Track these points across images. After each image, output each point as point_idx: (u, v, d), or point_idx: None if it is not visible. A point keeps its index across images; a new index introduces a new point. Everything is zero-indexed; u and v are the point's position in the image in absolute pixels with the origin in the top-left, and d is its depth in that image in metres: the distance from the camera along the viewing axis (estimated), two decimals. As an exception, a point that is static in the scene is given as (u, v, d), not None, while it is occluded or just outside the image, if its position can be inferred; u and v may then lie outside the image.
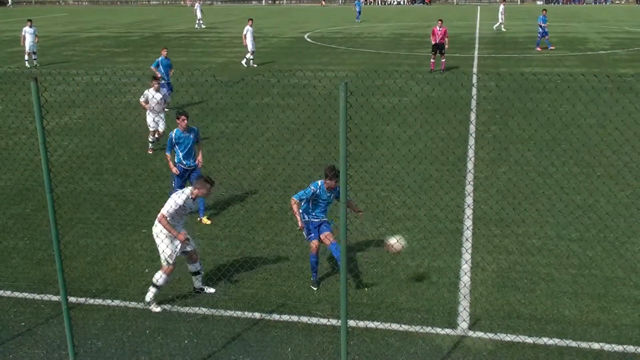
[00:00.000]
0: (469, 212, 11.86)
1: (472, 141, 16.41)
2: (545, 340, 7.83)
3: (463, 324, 8.26)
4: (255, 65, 30.47)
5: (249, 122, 18.53)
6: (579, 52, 34.59)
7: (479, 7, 77.52)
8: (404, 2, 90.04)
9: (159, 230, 8.46)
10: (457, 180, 13.52)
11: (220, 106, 20.96)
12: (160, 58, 21.24)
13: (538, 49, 34.63)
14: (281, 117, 19.02)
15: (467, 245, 10.51)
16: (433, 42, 27.79)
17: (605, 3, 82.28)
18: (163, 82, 18.38)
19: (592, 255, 10.04)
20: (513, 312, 8.51)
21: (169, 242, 8.48)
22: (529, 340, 7.86)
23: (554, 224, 11.18)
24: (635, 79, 23.02)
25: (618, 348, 7.66)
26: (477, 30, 47.44)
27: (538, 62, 30.67)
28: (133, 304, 8.80)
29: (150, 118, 15.88)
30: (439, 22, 28.06)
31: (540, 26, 34.51)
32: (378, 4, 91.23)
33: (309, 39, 42.67)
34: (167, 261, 8.54)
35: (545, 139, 16.49)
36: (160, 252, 8.55)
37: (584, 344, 7.76)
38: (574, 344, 7.77)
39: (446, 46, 27.84)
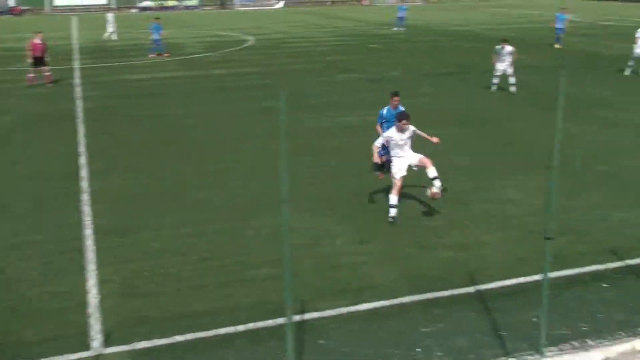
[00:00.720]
0: (88, 226, 11.58)
1: (82, 154, 16.02)
2: (177, 337, 8.11)
3: (95, 342, 8.07)
4: None
5: None
6: (177, 56, 36.15)
7: (74, 18, 75.40)
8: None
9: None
10: (72, 197, 13.05)
11: None
12: None
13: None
14: None
15: (91, 261, 10.26)
16: (34, 56, 25.93)
17: (195, 10, 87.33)
18: None
19: (210, 248, 10.69)
20: (144, 318, 8.60)
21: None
22: (163, 341, 8.05)
23: (172, 224, 11.59)
24: (228, 78, 25.02)
25: (242, 328, 8.30)
26: (76, 41, 46.19)
27: (141, 69, 31.20)
28: None
29: None
30: (39, 34, 26.19)
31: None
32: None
33: None
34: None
35: (154, 143, 16.92)
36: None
37: (212, 332, 8.24)
38: (202, 334, 8.20)
39: (46, 59, 26.10)
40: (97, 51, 38.75)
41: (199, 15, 68.84)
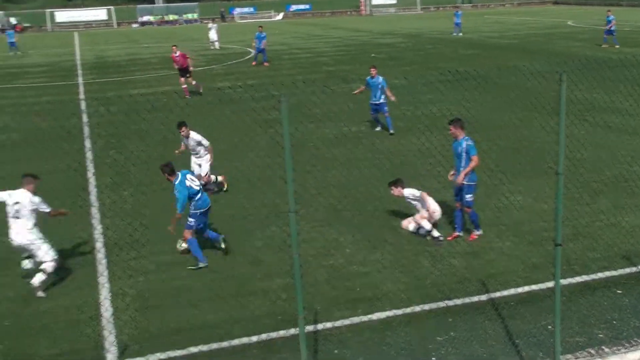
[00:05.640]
0: (100, 240, 11.63)
1: (92, 169, 16.08)
2: (191, 349, 8.14)
3: (110, 355, 8.10)
4: None
5: None
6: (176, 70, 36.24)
7: (76, 34, 75.77)
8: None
9: None
10: (83, 211, 13.08)
11: None
12: None
13: (254, 63, 36.10)
14: None
15: (104, 274, 10.30)
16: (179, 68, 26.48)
17: (195, 23, 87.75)
18: None
19: (220, 259, 10.72)
20: (159, 331, 8.64)
21: None
22: (178, 353, 8.08)
23: (181, 236, 11.61)
24: (233, 91, 25.06)
25: (255, 338, 8.34)
26: (78, 57, 46.42)
27: (143, 83, 31.35)
28: None
29: None
30: (173, 47, 26.73)
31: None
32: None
33: None
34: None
35: (158, 157, 16.92)
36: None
37: (225, 343, 8.27)
38: (216, 345, 8.22)
39: (190, 68, 26.78)
40: (97, 67, 38.91)
41: (200, 28, 69.06)
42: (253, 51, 37.39)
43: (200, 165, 14.09)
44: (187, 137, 13.85)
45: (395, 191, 11.70)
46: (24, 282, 10.06)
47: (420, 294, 9.35)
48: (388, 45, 45.29)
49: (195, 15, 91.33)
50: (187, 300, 9.43)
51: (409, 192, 11.64)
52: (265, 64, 36.28)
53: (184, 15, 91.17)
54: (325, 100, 20.93)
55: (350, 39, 52.07)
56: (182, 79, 26.60)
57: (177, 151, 14.60)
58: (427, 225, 11.28)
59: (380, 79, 18.53)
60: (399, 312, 8.87)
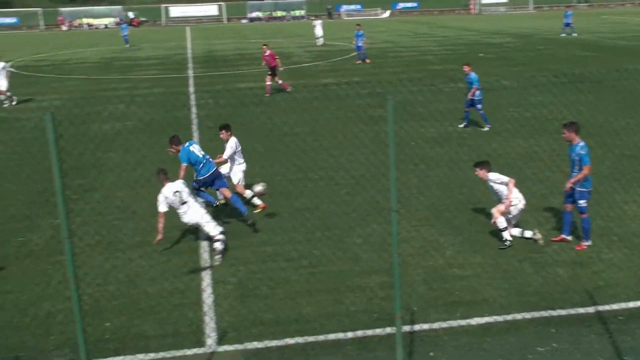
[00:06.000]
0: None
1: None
2: (287, 340, 8.25)
3: (210, 340, 8.35)
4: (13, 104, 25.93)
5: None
6: (285, 66, 36.89)
7: (188, 28, 78.60)
8: (108, 25, 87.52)
9: None
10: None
11: None
12: None
13: (358, 62, 36.26)
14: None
15: (206, 261, 10.62)
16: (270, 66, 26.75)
17: (303, 20, 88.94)
18: None
19: (319, 254, 10.81)
20: (256, 320, 8.82)
21: None
22: (274, 343, 8.22)
23: (282, 229, 11.80)
24: (337, 87, 25.25)
25: (351, 335, 8.36)
26: (189, 50, 48.12)
27: (250, 77, 32.05)
28: None
29: None
30: (264, 47, 27.17)
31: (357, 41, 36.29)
32: (84, 28, 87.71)
33: (11, 69, 39.46)
34: None
35: (263, 150, 17.32)
36: None
37: (321, 337, 8.33)
38: (312, 338, 8.30)
39: (279, 67, 26.99)
40: (207, 61, 40.16)
41: (306, 25, 69.89)
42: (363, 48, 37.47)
43: (233, 172, 13.10)
44: (226, 140, 12.99)
45: (480, 173, 11.12)
46: (133, 265, 10.54)
47: (521, 301, 9.06)
48: (497, 45, 44.18)
49: (303, 12, 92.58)
50: (285, 292, 9.56)
51: (494, 176, 10.98)
52: (367, 60, 36.32)
53: (292, 12, 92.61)
54: (430, 99, 20.67)
55: (458, 38, 51.16)
56: (269, 77, 26.81)
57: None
58: (501, 223, 10.80)
59: (472, 75, 18.49)
60: (498, 318, 8.63)
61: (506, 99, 18.93)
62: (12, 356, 8.10)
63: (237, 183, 12.92)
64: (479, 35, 53.88)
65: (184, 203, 10.93)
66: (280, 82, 26.92)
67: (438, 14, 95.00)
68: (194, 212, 10.96)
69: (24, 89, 30.66)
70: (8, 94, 25.67)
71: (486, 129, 18.67)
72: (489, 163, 11.29)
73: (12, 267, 10.64)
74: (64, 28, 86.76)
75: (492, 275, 9.88)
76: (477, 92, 18.60)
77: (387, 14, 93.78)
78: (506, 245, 10.73)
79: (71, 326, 8.60)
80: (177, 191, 10.98)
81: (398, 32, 60.68)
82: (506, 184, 10.85)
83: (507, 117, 19.69)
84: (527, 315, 8.68)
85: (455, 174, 14.50)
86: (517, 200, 10.84)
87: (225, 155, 12.85)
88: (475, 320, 8.61)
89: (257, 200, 12.70)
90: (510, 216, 10.88)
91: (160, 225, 10.72)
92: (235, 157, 13.02)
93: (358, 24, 38.45)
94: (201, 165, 11.87)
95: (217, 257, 10.61)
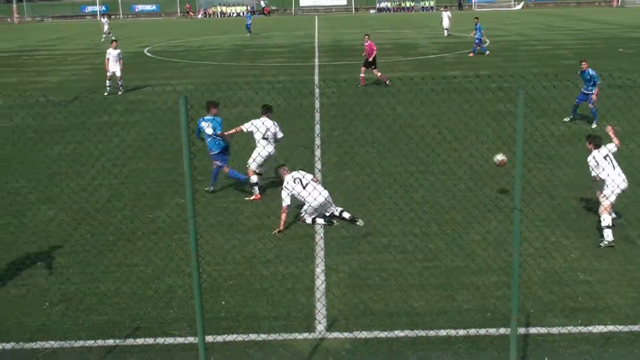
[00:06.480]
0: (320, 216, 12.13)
1: (318, 147, 16.82)
2: (397, 332, 8.19)
3: (320, 326, 8.44)
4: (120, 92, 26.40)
5: (88, 142, 17.77)
6: (411, 56, 36.54)
7: (316, 17, 79.64)
8: (242, 13, 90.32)
9: None
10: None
11: (56, 127, 19.95)
12: None
13: (471, 55, 35.97)
14: (122, 135, 18.33)
15: (319, 249, 10.75)
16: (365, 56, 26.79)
17: (431, 10, 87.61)
18: None
19: (435, 248, 10.64)
20: (367, 310, 8.82)
21: None
22: (383, 334, 8.19)
23: (398, 221, 11.70)
24: (462, 80, 24.66)
25: (462, 332, 8.18)
26: (317, 39, 48.74)
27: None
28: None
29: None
30: (366, 36, 27.29)
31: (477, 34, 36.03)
32: (217, 16, 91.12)
33: (149, 54, 41.71)
34: None
35: (384, 140, 17.25)
36: None
37: (432, 333, 8.20)
38: (423, 333, 8.19)
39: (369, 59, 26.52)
40: (333, 50, 40.47)
41: (435, 16, 68.77)
42: (482, 42, 36.43)
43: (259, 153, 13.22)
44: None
45: (589, 147, 10.97)
46: (251, 247, 10.85)
47: (649, 312, 8.48)
48: (639, 40, 41.46)
49: (432, 3, 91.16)
50: (397, 284, 9.49)
51: (599, 156, 10.68)
52: (487, 53, 35.81)
53: (421, 2, 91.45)
54: (564, 94, 19.72)
55: (596, 32, 48.53)
56: (363, 68, 26.37)
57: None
58: (606, 221, 10.46)
59: (591, 71, 18.59)
60: (623, 328, 8.13)
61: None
62: (134, 326, 8.56)
63: (249, 165, 13.24)
64: (619, 29, 50.82)
65: (305, 186, 11.42)
66: (379, 74, 26.46)
67: (575, 6, 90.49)
68: (318, 195, 11.37)
69: (159, 73, 32.33)
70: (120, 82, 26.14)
71: (595, 125, 18.34)
72: (600, 139, 11.06)
73: (139, 241, 11.25)
74: (199, 16, 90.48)
75: (619, 283, 9.32)
76: (592, 88, 18.60)
77: (520, 5, 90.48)
78: (600, 246, 10.45)
79: (190, 302, 9.01)
80: (297, 178, 11.23)
81: (531, 24, 58.40)
82: (614, 154, 10.89)
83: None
84: (656, 327, 8.12)
85: (584, 174, 13.73)
86: (616, 186, 10.58)
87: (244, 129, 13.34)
88: (597, 328, 8.16)
89: (256, 189, 13.19)
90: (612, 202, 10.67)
91: (284, 218, 11.29)
92: (262, 139, 13.16)
93: (476, 17, 37.59)
94: (208, 140, 13.27)
95: (359, 222, 11.57)
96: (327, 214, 11.82)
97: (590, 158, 10.73)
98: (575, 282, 9.39)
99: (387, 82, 26.28)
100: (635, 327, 8.15)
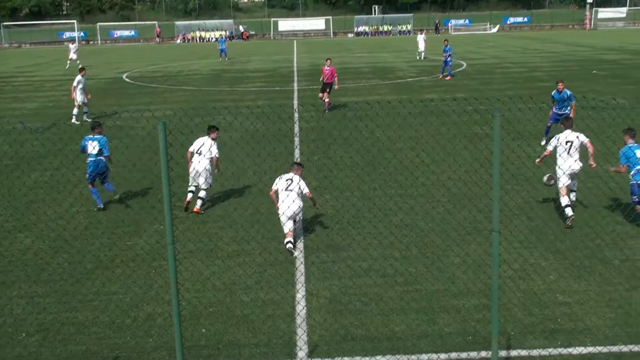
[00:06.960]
0: (300, 241, 12.12)
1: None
2: (378, 358, 8.16)
3: (301, 353, 8.39)
4: (88, 120, 25.67)
5: (66, 169, 17.63)
6: (389, 80, 36.87)
7: (295, 41, 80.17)
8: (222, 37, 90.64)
9: None
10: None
11: (33, 154, 19.79)
12: None
13: (440, 76, 36.52)
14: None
15: (300, 274, 10.71)
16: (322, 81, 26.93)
17: (409, 34, 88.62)
18: None
19: (415, 272, 10.66)
20: (348, 335, 8.79)
21: None
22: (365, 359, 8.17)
23: (378, 245, 11.73)
24: (439, 103, 24.91)
25: (444, 356, 8.17)
26: (295, 64, 49.01)
27: (353, 91, 32.24)
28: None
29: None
30: (327, 61, 27.43)
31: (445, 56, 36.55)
32: (196, 41, 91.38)
33: (127, 79, 41.64)
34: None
35: (363, 164, 17.32)
36: None
37: (413, 357, 8.18)
38: (404, 357, 8.17)
39: (335, 86, 26.79)
40: (312, 75, 40.71)
41: (412, 39, 69.57)
42: (445, 64, 36.87)
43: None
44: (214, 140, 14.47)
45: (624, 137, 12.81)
46: (230, 273, 10.78)
47: (628, 332, 8.56)
48: (612, 62, 42.28)
49: (409, 27, 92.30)
50: (378, 308, 9.48)
51: (563, 136, 12.90)
52: (448, 77, 36.17)
53: (398, 27, 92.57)
54: (538, 116, 19.98)
55: (570, 54, 49.40)
56: (322, 94, 26.47)
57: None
58: (564, 201, 12.04)
59: (568, 92, 19.07)
60: (602, 349, 8.18)
61: (622, 118, 18.03)
62: (113, 355, 8.45)
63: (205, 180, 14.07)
64: (592, 51, 51.78)
65: (287, 189, 11.84)
66: (326, 100, 26.35)
67: (549, 29, 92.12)
68: (293, 203, 11.70)
69: (138, 99, 32.26)
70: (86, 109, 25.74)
71: (543, 143, 18.88)
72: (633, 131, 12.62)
73: (118, 269, 11.14)
74: (178, 41, 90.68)
75: (597, 304, 9.39)
76: (568, 109, 18.97)
77: (495, 29, 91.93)
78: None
79: (169, 330, 8.92)
80: (288, 179, 11.93)
81: (507, 47, 59.29)
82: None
83: (621, 138, 18.73)
84: (635, 347, 8.19)
85: (557, 196, 13.91)
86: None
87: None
88: (576, 350, 8.20)
89: (199, 203, 13.95)
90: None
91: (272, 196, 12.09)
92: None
93: (446, 39, 38.31)
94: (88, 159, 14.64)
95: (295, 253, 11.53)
96: (296, 221, 12.09)
97: (556, 135, 12.15)
98: (555, 304, 9.45)
99: (327, 110, 26.23)
100: (614, 348, 8.20)
